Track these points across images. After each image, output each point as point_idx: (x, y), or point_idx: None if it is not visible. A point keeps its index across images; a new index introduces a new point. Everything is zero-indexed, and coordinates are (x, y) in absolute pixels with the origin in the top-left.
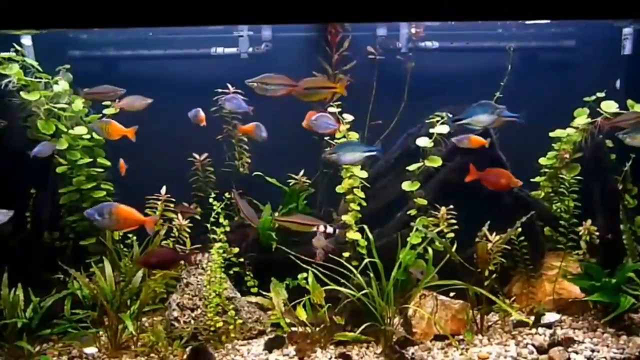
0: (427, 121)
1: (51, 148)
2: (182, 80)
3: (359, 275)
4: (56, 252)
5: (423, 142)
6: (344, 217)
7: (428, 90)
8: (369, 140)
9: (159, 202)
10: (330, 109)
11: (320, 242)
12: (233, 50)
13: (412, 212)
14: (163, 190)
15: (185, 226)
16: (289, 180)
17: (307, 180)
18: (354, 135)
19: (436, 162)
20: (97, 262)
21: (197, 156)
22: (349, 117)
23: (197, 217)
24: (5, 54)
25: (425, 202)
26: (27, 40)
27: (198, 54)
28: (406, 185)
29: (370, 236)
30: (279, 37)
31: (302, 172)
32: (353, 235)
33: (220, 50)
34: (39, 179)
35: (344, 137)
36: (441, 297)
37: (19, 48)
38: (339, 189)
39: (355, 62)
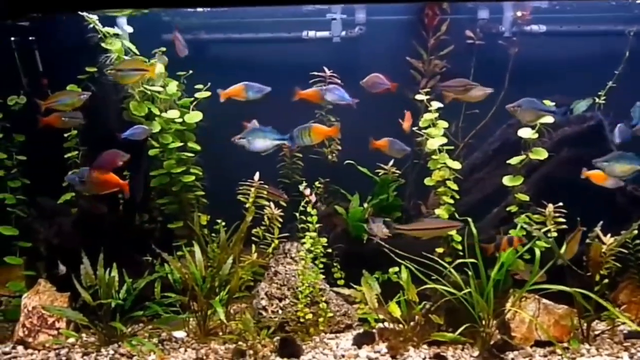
0: None
1: (146, 133)
2: (273, 64)
3: (454, 273)
4: (145, 234)
5: (526, 133)
6: (437, 211)
7: (532, 78)
8: (464, 130)
9: (252, 189)
10: (419, 96)
11: (379, 229)
12: (325, 33)
13: (512, 208)
14: (256, 176)
15: (276, 215)
16: (377, 170)
17: (397, 171)
18: (443, 124)
19: (541, 154)
20: (185, 245)
21: (285, 142)
22: (436, 105)
23: (283, 203)
24: (110, 29)
25: (527, 197)
26: (123, 23)
27: (289, 37)
28: (508, 180)
29: (474, 230)
30: (373, 21)
31: (391, 162)
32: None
33: (312, 33)
34: (133, 161)
35: (431, 125)
36: (544, 300)
37: (118, 32)
38: (428, 181)
39: (453, 47)
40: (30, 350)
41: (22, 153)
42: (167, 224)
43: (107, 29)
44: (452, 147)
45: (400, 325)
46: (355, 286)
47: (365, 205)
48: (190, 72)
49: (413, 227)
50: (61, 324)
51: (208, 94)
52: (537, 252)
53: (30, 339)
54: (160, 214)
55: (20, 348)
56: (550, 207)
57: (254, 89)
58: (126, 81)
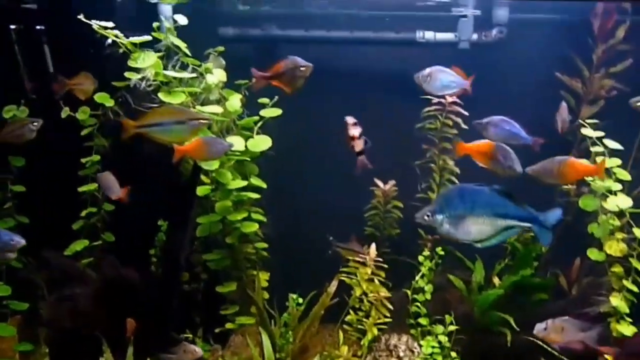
0: None
1: None
2: (371, 75)
3: None
4: (186, 299)
5: None
6: (612, 300)
7: None
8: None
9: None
10: (585, 130)
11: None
12: (449, 36)
13: None
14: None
15: (382, 297)
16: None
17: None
18: (623, 174)
19: None
20: (236, 313)
21: (380, 183)
22: (612, 144)
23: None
24: (137, 39)
25: None
26: (168, 11)
27: (396, 39)
28: None
29: None
30: (519, 20)
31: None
32: (626, 328)
33: (429, 35)
34: (177, 206)
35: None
36: None
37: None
38: (595, 254)
39: (631, 60)
40: None
41: (21, 182)
42: (214, 284)
43: (134, 38)
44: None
45: None
46: None
47: (497, 280)
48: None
49: None
50: None
51: (278, 111)
52: None
53: None
54: (205, 270)
55: None
56: None
57: None
58: None
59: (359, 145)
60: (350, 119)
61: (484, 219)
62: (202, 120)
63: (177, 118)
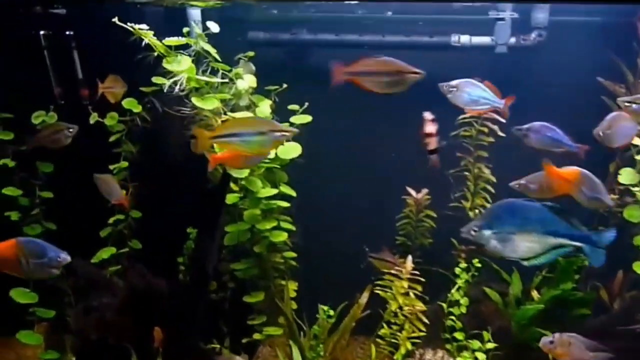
0: None
1: None
2: None
3: None
4: (213, 308)
5: None
6: None
7: None
8: None
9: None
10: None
11: None
12: (485, 40)
13: None
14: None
15: (418, 310)
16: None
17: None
18: None
19: None
20: (264, 324)
21: (412, 192)
22: None
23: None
24: (172, 40)
25: None
26: (197, 16)
27: (431, 43)
28: None
29: None
30: (559, 23)
31: None
32: None
33: (465, 39)
34: (207, 213)
35: None
36: None
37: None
38: None
39: None
40: None
41: (49, 189)
42: (242, 294)
43: (169, 39)
44: None
45: None
46: None
47: (535, 294)
48: (285, 86)
49: None
50: None
51: (308, 118)
52: None
53: None
54: (232, 279)
55: None
56: None
57: None
58: None
59: (432, 144)
60: (428, 115)
61: (534, 236)
62: (285, 133)
63: (258, 129)
